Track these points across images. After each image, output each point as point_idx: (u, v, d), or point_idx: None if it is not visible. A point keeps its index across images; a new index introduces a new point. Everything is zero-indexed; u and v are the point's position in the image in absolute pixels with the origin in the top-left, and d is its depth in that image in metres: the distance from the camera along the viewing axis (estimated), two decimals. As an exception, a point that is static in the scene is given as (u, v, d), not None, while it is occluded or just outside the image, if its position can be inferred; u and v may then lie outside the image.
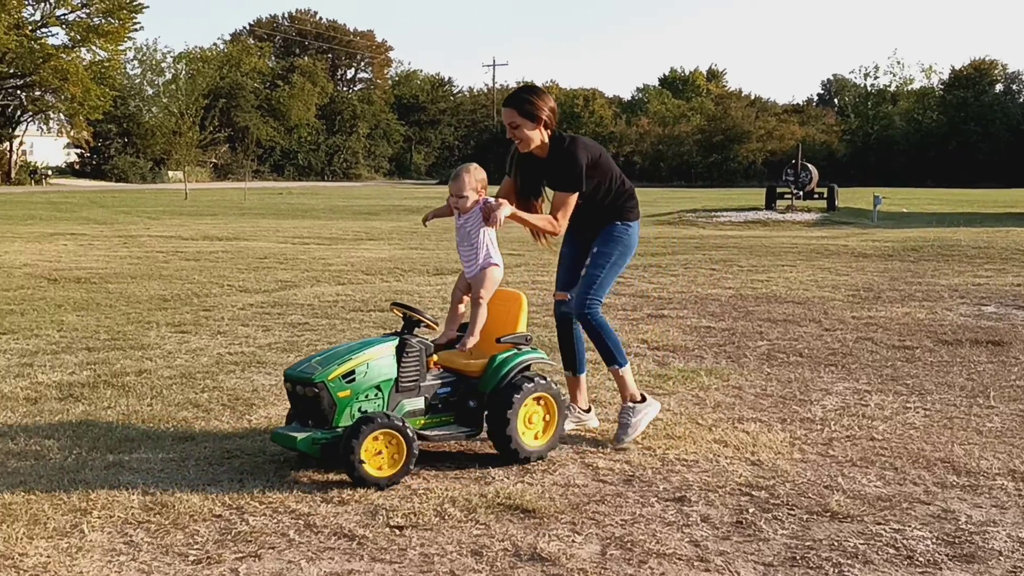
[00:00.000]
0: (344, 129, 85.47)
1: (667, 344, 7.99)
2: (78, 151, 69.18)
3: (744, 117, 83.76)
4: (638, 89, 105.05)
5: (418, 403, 4.80)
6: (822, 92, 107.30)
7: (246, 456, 4.92)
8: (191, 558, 3.67)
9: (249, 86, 76.27)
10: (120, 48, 62.19)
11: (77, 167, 69.84)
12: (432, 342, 4.99)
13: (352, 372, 4.63)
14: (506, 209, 4.92)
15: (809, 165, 34.12)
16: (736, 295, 11.06)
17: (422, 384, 4.82)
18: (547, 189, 5.30)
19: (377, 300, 10.47)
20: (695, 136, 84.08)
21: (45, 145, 69.07)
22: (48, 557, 3.64)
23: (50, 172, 64.00)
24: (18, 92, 60.39)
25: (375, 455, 4.44)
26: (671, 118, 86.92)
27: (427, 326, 4.94)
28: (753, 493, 4.44)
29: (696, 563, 3.67)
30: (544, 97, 5.13)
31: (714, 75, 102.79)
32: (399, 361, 4.74)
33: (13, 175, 58.68)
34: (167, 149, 67.01)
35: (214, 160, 73.97)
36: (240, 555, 3.71)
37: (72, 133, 63.08)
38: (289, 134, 79.51)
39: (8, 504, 4.16)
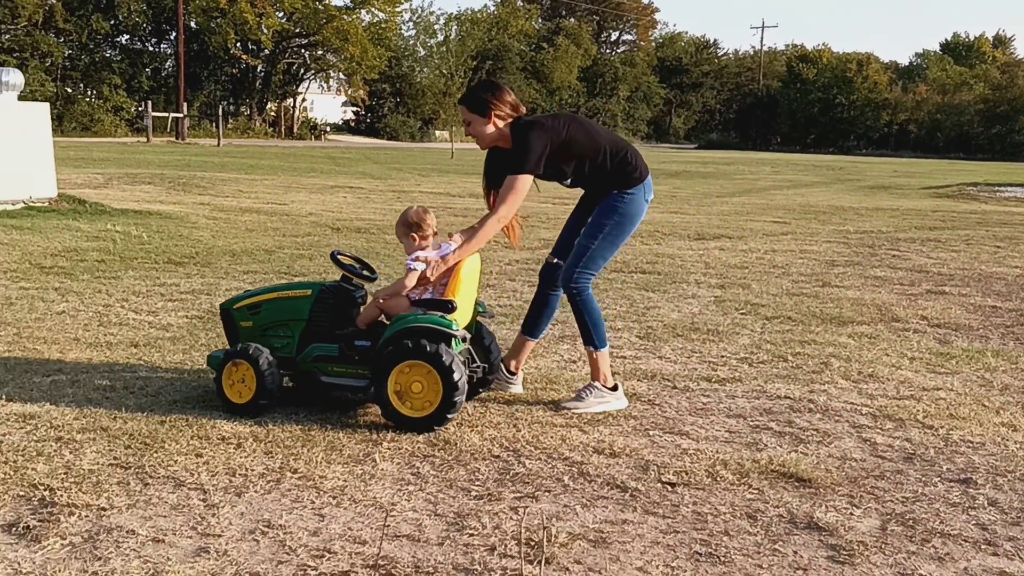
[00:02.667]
0: (605, 92, 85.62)
1: (949, 322, 7.58)
2: (354, 109, 72.82)
3: (1034, 86, 77.51)
4: (916, 55, 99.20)
5: (331, 350, 4.80)
6: None
7: (519, 404, 5.09)
8: (473, 493, 3.85)
9: (515, 48, 77.65)
10: (397, 10, 64.78)
11: (352, 124, 73.59)
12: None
13: (258, 306, 4.95)
14: (438, 266, 4.77)
15: (1110, 139, 31.24)
16: (1024, 275, 10.33)
17: (338, 332, 4.85)
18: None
19: (638, 261, 10.50)
20: (977, 106, 78.60)
21: (324, 103, 73.13)
22: (345, 481, 3.92)
23: (328, 128, 67.75)
24: (302, 51, 64.17)
25: (239, 382, 4.68)
26: (951, 86, 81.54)
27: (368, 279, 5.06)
28: (1048, 482, 4.17)
29: (983, 546, 3.50)
30: (498, 92, 4.97)
31: (1001, 41, 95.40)
32: (313, 306, 4.86)
33: (295, 130, 62.57)
34: (436, 109, 69.53)
35: (479, 120, 75.90)
36: (518, 495, 3.85)
37: (349, 92, 66.44)
38: (551, 96, 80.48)
39: (307, 431, 4.50)
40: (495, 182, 5.02)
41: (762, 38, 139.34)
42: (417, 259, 4.81)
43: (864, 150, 78.14)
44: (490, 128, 4.94)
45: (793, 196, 22.75)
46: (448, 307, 4.66)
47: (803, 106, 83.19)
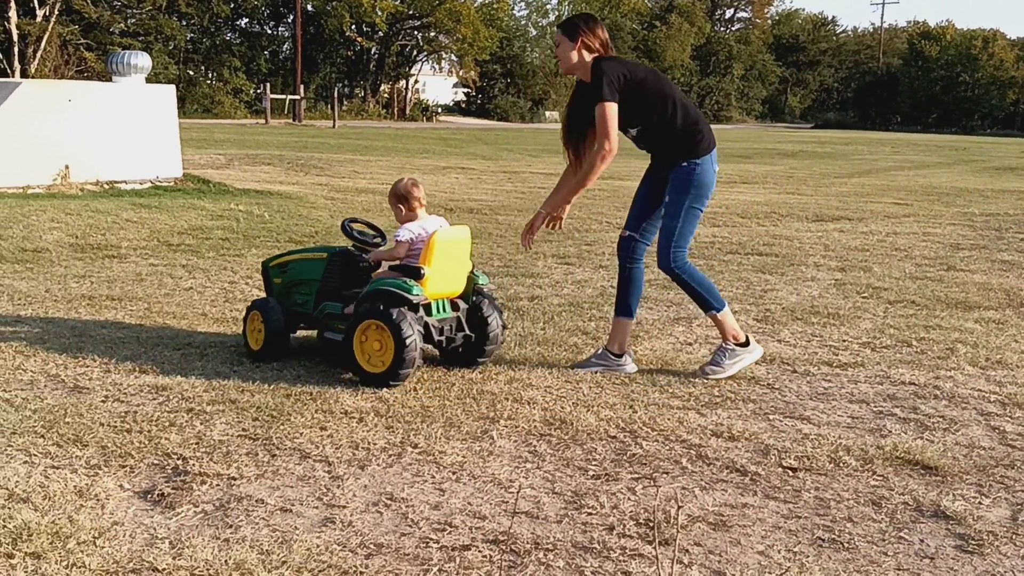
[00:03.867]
0: (718, 70, 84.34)
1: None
2: (465, 90, 73.26)
3: None
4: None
5: (336, 308, 5.16)
6: None
7: (634, 385, 5.08)
8: (590, 473, 3.86)
9: (627, 27, 76.96)
10: (508, -10, 64.91)
11: (463, 105, 74.07)
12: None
13: (286, 265, 5.49)
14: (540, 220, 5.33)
15: None
16: None
17: (344, 293, 5.19)
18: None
19: (755, 243, 10.34)
20: (1112, 83, 75.07)
21: (436, 84, 73.74)
22: (463, 457, 3.97)
23: (440, 110, 68.31)
24: (415, 33, 64.80)
25: (257, 332, 5.23)
26: (1085, 62, 78.01)
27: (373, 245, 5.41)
28: None
29: (1124, 543, 3.36)
30: (592, 24, 5.15)
31: None
32: (326, 268, 5.28)
33: (408, 111, 63.26)
34: (546, 90, 69.51)
35: (589, 100, 75.49)
36: (635, 476, 3.85)
37: (461, 73, 66.86)
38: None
39: (426, 407, 4.57)
40: (574, 131, 5.23)
41: (882, 14, 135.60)
42: (405, 231, 5.06)
43: (989, 130, 75.33)
44: (575, 54, 5.11)
45: (915, 177, 22.10)
46: (416, 273, 4.89)
47: (925, 84, 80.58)
